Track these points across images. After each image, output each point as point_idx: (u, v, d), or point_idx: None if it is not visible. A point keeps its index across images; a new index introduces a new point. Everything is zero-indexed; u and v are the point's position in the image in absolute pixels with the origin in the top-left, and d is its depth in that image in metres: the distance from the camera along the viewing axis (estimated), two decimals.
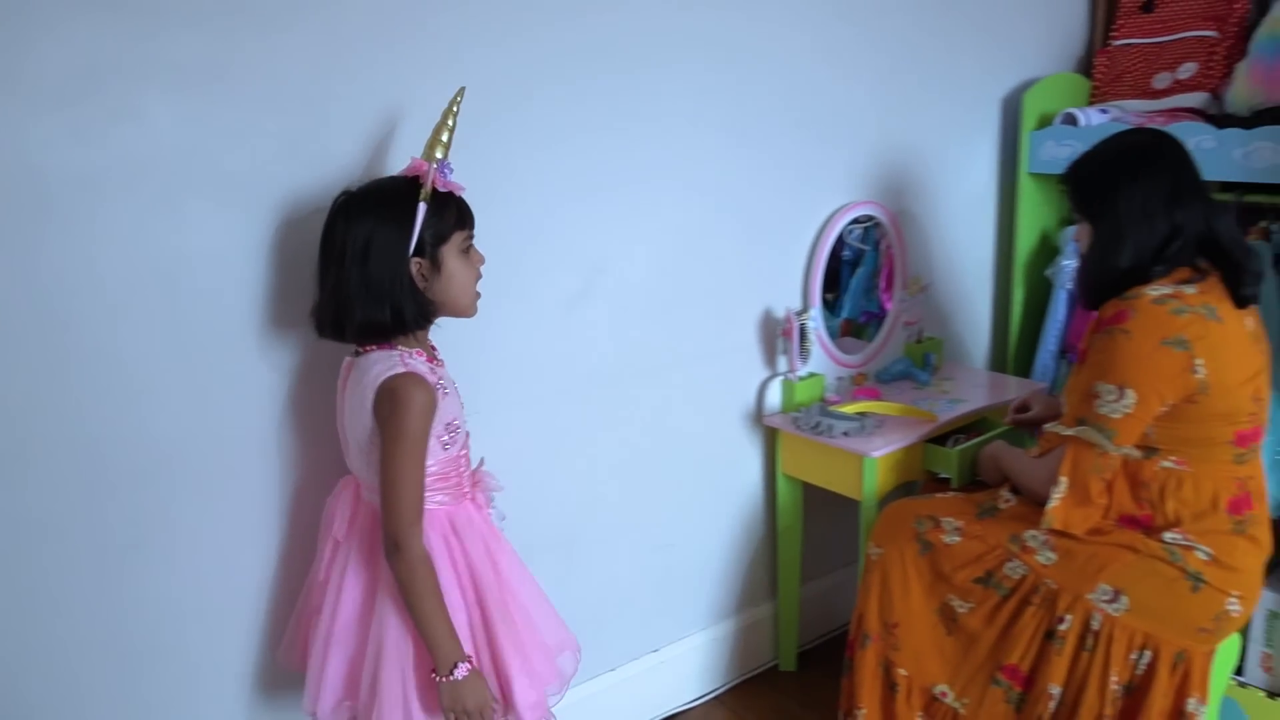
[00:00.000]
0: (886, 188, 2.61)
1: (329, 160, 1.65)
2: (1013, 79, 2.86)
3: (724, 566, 2.47)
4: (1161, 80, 2.73)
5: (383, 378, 1.51)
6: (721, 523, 2.44)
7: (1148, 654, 1.78)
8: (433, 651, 1.52)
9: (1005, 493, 1.99)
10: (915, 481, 2.37)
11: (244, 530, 1.70)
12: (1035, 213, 2.88)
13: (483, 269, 1.63)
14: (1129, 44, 2.83)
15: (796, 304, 2.46)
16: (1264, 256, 2.36)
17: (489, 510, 1.68)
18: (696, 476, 2.36)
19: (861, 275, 2.72)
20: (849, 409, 2.37)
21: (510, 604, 1.62)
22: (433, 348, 1.64)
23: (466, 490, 1.63)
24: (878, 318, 2.70)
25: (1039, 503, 1.91)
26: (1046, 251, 2.90)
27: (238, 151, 1.58)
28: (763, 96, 2.27)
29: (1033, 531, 1.88)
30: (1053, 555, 1.85)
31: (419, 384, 1.50)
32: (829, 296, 2.71)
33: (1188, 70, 2.69)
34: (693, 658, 2.45)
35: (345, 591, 1.59)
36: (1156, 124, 2.51)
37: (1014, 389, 2.60)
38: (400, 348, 1.56)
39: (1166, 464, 1.79)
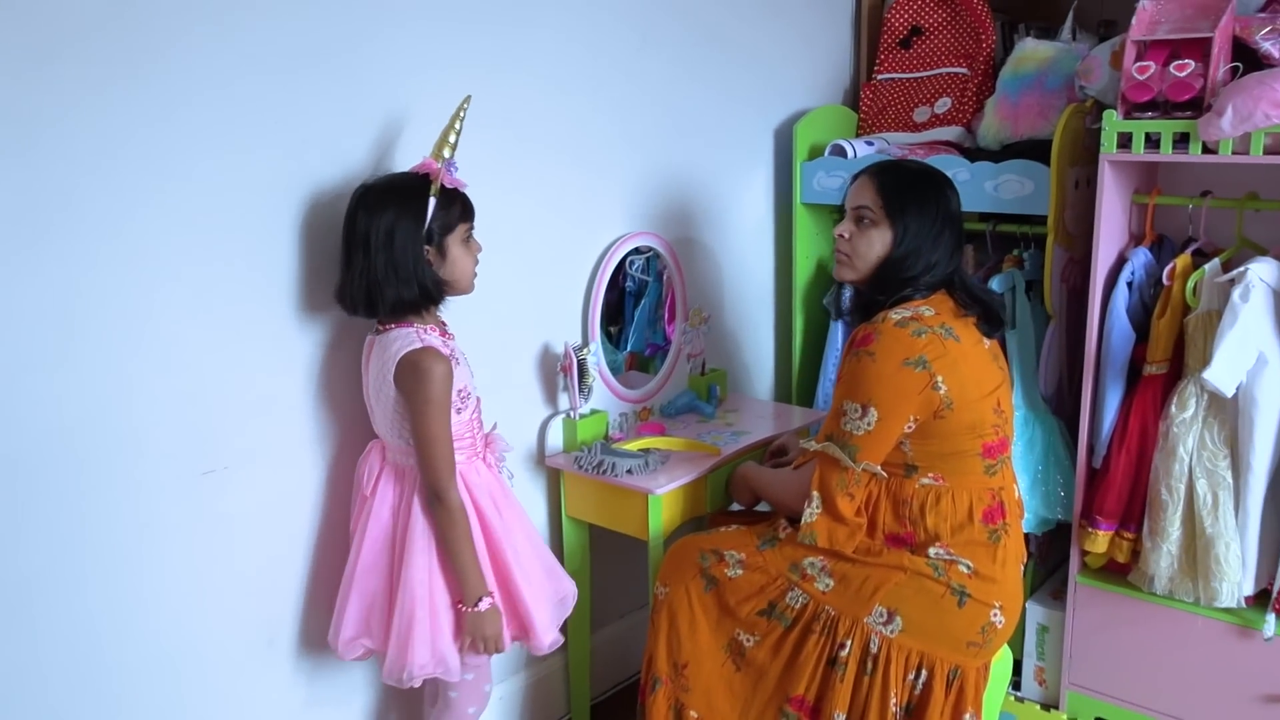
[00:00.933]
0: (664, 218, 2.68)
1: (341, 160, 1.91)
2: (784, 110, 2.99)
3: None
4: (921, 114, 2.94)
5: (403, 352, 1.77)
6: None
7: (924, 673, 1.88)
8: (464, 585, 1.81)
9: (784, 520, 2.05)
10: (704, 517, 2.41)
11: (291, 485, 1.95)
12: (811, 242, 3.01)
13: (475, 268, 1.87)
14: (891, 78, 3.03)
15: (577, 338, 2.49)
16: (1019, 282, 2.58)
17: (499, 469, 1.94)
18: None
19: (645, 307, 2.75)
20: (633, 446, 2.38)
21: (517, 546, 1.89)
22: (444, 323, 1.90)
23: (479, 451, 1.91)
24: (663, 350, 2.75)
25: (794, 519, 1.99)
26: (823, 280, 3.04)
27: (271, 151, 1.81)
28: (533, 126, 2.31)
29: (811, 559, 1.95)
30: (830, 581, 1.93)
31: (436, 356, 1.76)
32: (613, 329, 2.73)
33: (944, 105, 2.90)
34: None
35: (366, 539, 1.85)
36: (918, 156, 2.70)
37: (798, 419, 2.70)
38: (416, 325, 1.82)
39: (925, 481, 1.91)
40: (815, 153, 2.94)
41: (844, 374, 1.90)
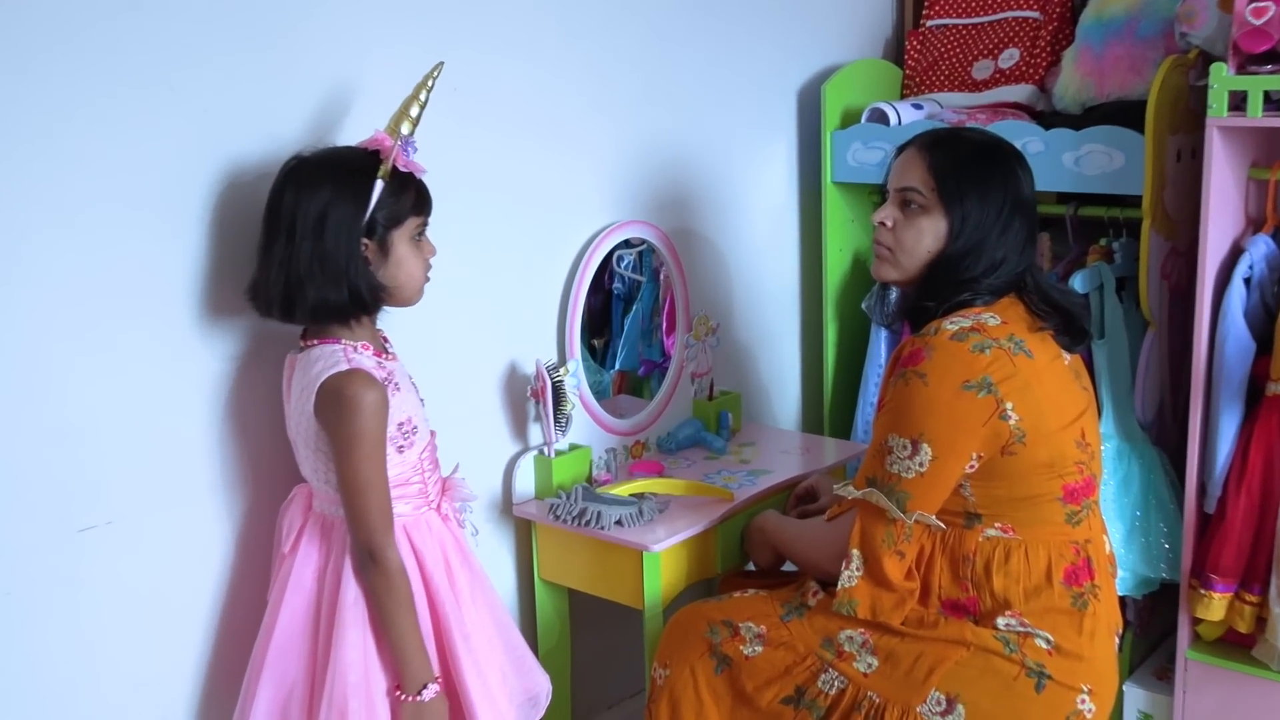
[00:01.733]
0: (660, 203, 2.67)
1: (274, 136, 1.92)
2: (810, 67, 2.97)
3: None
4: (982, 69, 2.92)
5: (324, 376, 1.77)
6: None
7: None
8: (403, 669, 1.80)
9: (815, 584, 2.04)
10: (714, 580, 2.39)
11: (193, 543, 1.94)
12: (845, 230, 2.99)
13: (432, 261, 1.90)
14: (944, 25, 3.02)
15: (551, 355, 2.47)
16: (1107, 280, 2.54)
17: (459, 523, 1.97)
18: None
19: (637, 314, 2.76)
20: (623, 490, 2.37)
21: (470, 625, 1.90)
22: (384, 339, 1.93)
23: (431, 499, 1.92)
24: (660, 368, 2.73)
25: (828, 583, 1.98)
26: (862, 278, 3.02)
27: (174, 120, 1.82)
28: (494, 95, 2.29)
29: (849, 632, 1.94)
30: (874, 660, 1.91)
31: (366, 381, 1.77)
32: (598, 343, 2.71)
33: (1010, 57, 2.89)
34: None
35: (283, 610, 1.85)
36: (978, 122, 2.70)
37: (831, 454, 2.69)
38: (345, 341, 1.82)
39: (991, 532, 1.90)
40: (849, 119, 2.93)
41: (888, 400, 1.90)
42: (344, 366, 1.78)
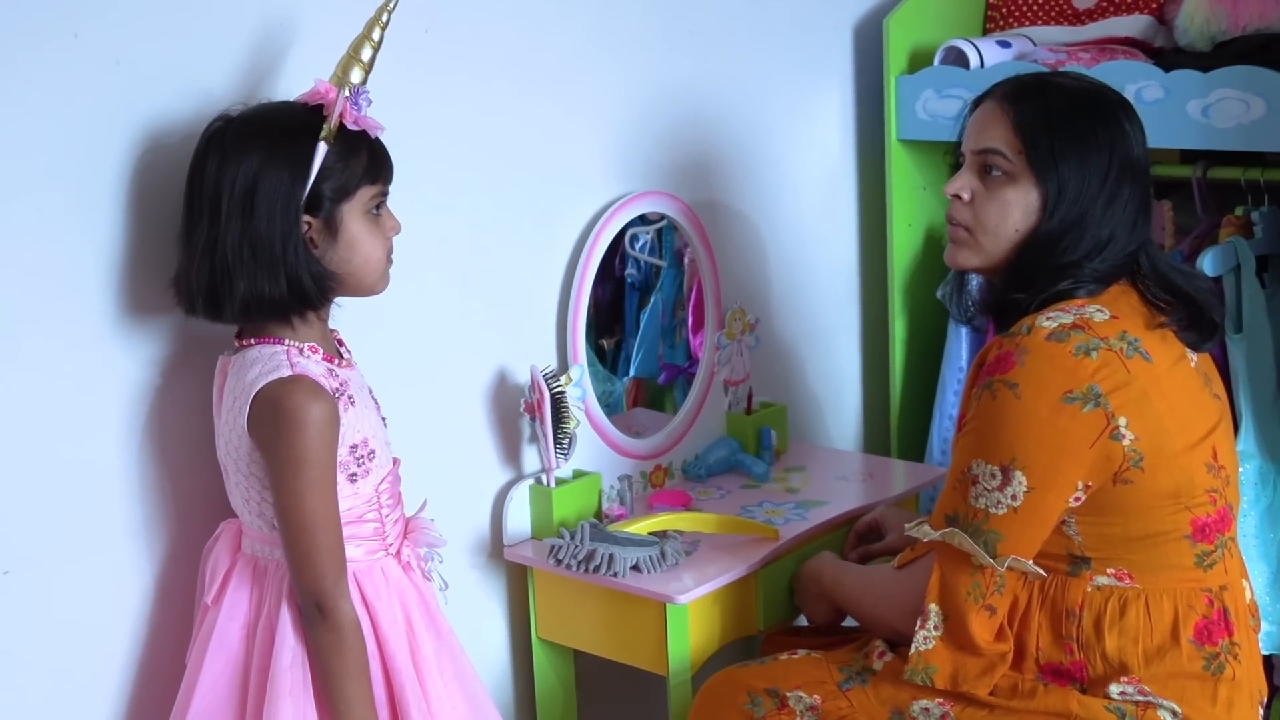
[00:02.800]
0: (683, 170, 2.68)
1: (203, 90, 1.93)
2: None
3: None
4: None
5: (260, 384, 1.77)
6: None
7: None
8: None
9: (882, 643, 2.05)
10: (756, 638, 2.40)
11: (103, 594, 1.93)
12: (915, 200, 3.00)
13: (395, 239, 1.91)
14: None
15: (550, 361, 2.48)
16: (1245, 258, 2.56)
17: (424, 574, 1.97)
18: None
19: (656, 308, 2.76)
20: (641, 527, 2.37)
21: (436, 702, 1.90)
22: (338, 341, 1.95)
23: (390, 543, 1.93)
24: (686, 374, 2.74)
25: (899, 643, 1.98)
26: (935, 260, 3.01)
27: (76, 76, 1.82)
28: (475, 39, 2.30)
29: (924, 703, 1.95)
30: None
31: (311, 392, 1.77)
32: (607, 343, 2.72)
33: None
34: None
35: (204, 672, 1.85)
36: (1081, 63, 2.70)
37: (901, 480, 2.69)
38: (289, 341, 1.83)
39: (1102, 580, 1.90)
40: (919, 61, 2.93)
41: (971, 418, 1.91)
42: (285, 372, 1.79)
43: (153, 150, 1.91)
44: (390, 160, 1.90)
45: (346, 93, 1.82)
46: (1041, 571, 1.90)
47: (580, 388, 2.43)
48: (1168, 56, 2.74)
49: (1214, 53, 2.67)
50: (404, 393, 2.23)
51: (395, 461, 1.97)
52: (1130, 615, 1.89)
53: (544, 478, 2.41)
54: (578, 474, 2.46)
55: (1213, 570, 1.92)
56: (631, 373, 2.77)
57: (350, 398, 1.86)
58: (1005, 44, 2.86)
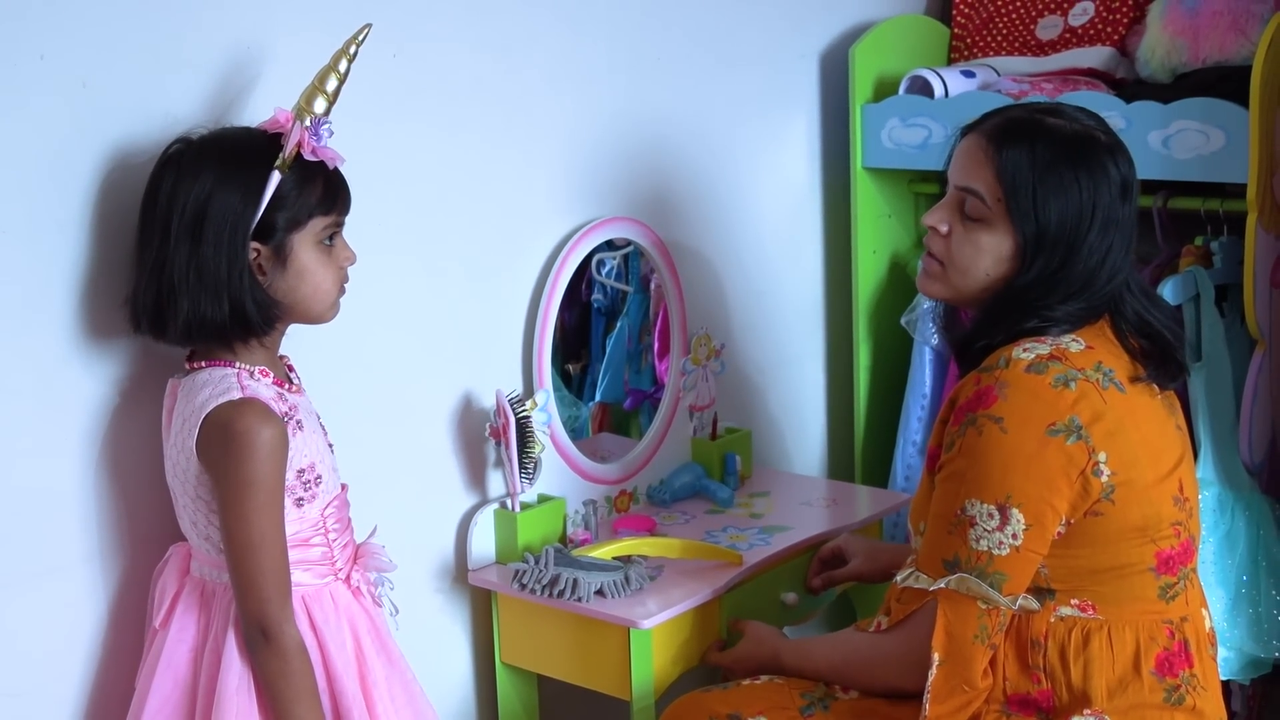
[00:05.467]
0: (650, 196, 2.68)
1: (167, 114, 1.93)
2: (835, 25, 2.99)
3: None
4: (1049, 27, 2.94)
5: (210, 406, 1.78)
6: None
7: None
8: None
9: None
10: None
11: (57, 622, 1.93)
12: (879, 227, 3.01)
13: (351, 270, 1.92)
14: None
15: (516, 385, 2.47)
16: (1204, 287, 2.57)
17: (374, 599, 1.97)
18: None
19: (622, 333, 2.76)
20: (605, 552, 2.37)
21: None
22: (288, 366, 1.96)
23: (339, 568, 1.93)
24: (653, 399, 2.74)
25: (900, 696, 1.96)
26: (900, 287, 3.04)
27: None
28: (438, 61, 2.30)
29: None
30: None
31: (261, 415, 1.78)
32: (573, 368, 2.72)
33: (1083, 13, 2.90)
34: None
35: (151, 696, 1.85)
36: (1044, 93, 2.71)
37: (865, 505, 2.70)
38: (239, 364, 1.84)
39: (1066, 611, 1.89)
40: (884, 90, 2.94)
41: (957, 456, 1.87)
42: (236, 395, 1.79)
43: (118, 171, 1.91)
44: (347, 191, 1.90)
45: (306, 122, 1.83)
46: (1037, 605, 1.88)
47: (545, 412, 2.43)
48: (1129, 87, 2.76)
49: (1175, 84, 2.69)
50: (370, 417, 2.22)
51: (344, 487, 1.96)
52: (1093, 646, 1.88)
53: (509, 502, 2.41)
54: (543, 498, 2.46)
55: (1174, 602, 1.92)
56: (597, 397, 2.76)
57: (299, 422, 1.86)
58: (970, 74, 2.88)
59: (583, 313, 2.72)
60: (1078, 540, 1.86)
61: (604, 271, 2.69)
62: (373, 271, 2.03)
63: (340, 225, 1.89)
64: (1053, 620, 1.89)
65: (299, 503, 1.85)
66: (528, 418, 2.35)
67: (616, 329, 2.75)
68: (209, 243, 1.77)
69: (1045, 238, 1.89)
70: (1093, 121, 1.96)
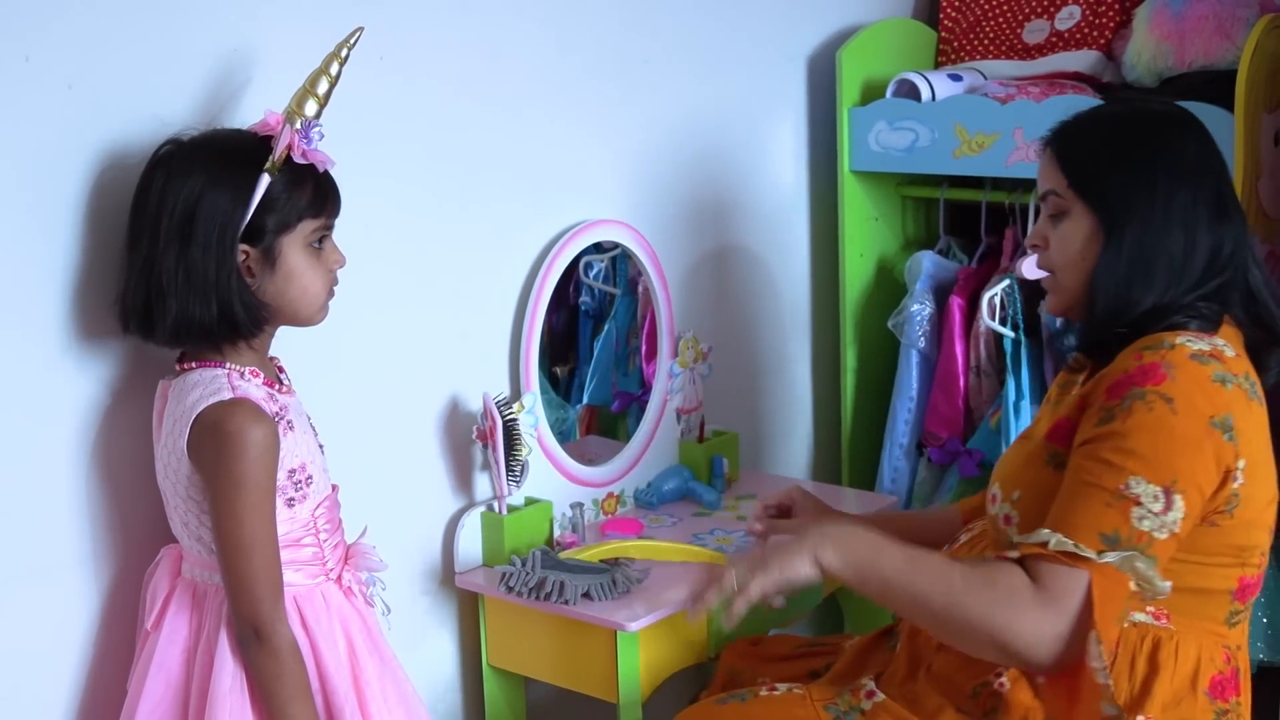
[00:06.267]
0: (638, 198, 2.69)
1: (157, 117, 1.92)
2: (822, 28, 3.00)
3: None
4: (1035, 31, 2.95)
5: (201, 406, 1.79)
6: None
7: None
8: None
9: (868, 681, 1.99)
10: (706, 665, 2.39)
11: (49, 624, 1.93)
12: (866, 231, 3.02)
13: (340, 272, 1.92)
14: None
15: (503, 388, 2.48)
16: None
17: (366, 599, 1.98)
18: None
19: (610, 336, 2.77)
20: (592, 554, 2.38)
21: None
22: (278, 368, 1.96)
23: (329, 568, 1.94)
24: (639, 402, 2.74)
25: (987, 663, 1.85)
26: (887, 290, 3.05)
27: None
28: (426, 58, 2.31)
29: None
30: None
31: (252, 415, 1.79)
32: (560, 370, 2.73)
33: (1070, 16, 2.92)
34: None
35: (144, 698, 1.85)
36: (1030, 96, 2.73)
37: (853, 506, 2.67)
38: (230, 365, 1.84)
39: (1139, 617, 1.84)
40: (872, 93, 2.95)
41: (1122, 430, 1.77)
42: (226, 395, 1.80)
43: (109, 173, 1.91)
44: (337, 194, 1.90)
45: (297, 125, 1.83)
46: (1168, 590, 1.78)
47: (533, 415, 2.44)
48: (1115, 91, 2.77)
49: (1160, 88, 2.70)
50: (356, 419, 2.22)
51: (334, 488, 1.97)
52: (1162, 654, 1.83)
53: (496, 505, 2.41)
54: (530, 501, 2.46)
55: (1235, 629, 1.88)
56: (585, 400, 2.77)
57: (289, 423, 1.87)
58: (956, 77, 2.89)
59: (571, 315, 2.73)
60: (1184, 547, 1.78)
61: (591, 274, 2.70)
62: (362, 274, 2.02)
63: (330, 228, 1.90)
64: (1126, 625, 1.83)
65: (290, 503, 1.86)
66: (515, 420, 2.36)
67: (604, 332, 2.76)
68: (198, 244, 1.78)
69: (1116, 200, 1.85)
70: (1152, 101, 1.97)
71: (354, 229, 2.02)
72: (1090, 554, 1.73)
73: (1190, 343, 1.79)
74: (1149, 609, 1.83)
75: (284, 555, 1.84)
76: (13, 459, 1.87)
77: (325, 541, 1.92)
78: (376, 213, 2.21)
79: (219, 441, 1.77)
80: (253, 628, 1.79)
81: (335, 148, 1.91)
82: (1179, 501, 1.73)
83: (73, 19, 1.86)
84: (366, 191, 2.15)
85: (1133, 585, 1.75)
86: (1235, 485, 1.77)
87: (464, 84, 2.37)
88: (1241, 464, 1.77)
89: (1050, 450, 1.87)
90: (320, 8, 2.11)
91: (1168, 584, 1.75)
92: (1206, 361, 1.78)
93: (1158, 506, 1.73)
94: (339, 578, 1.94)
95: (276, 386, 1.90)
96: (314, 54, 1.92)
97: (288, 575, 1.85)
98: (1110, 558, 1.73)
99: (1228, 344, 1.83)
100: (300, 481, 1.87)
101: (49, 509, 1.92)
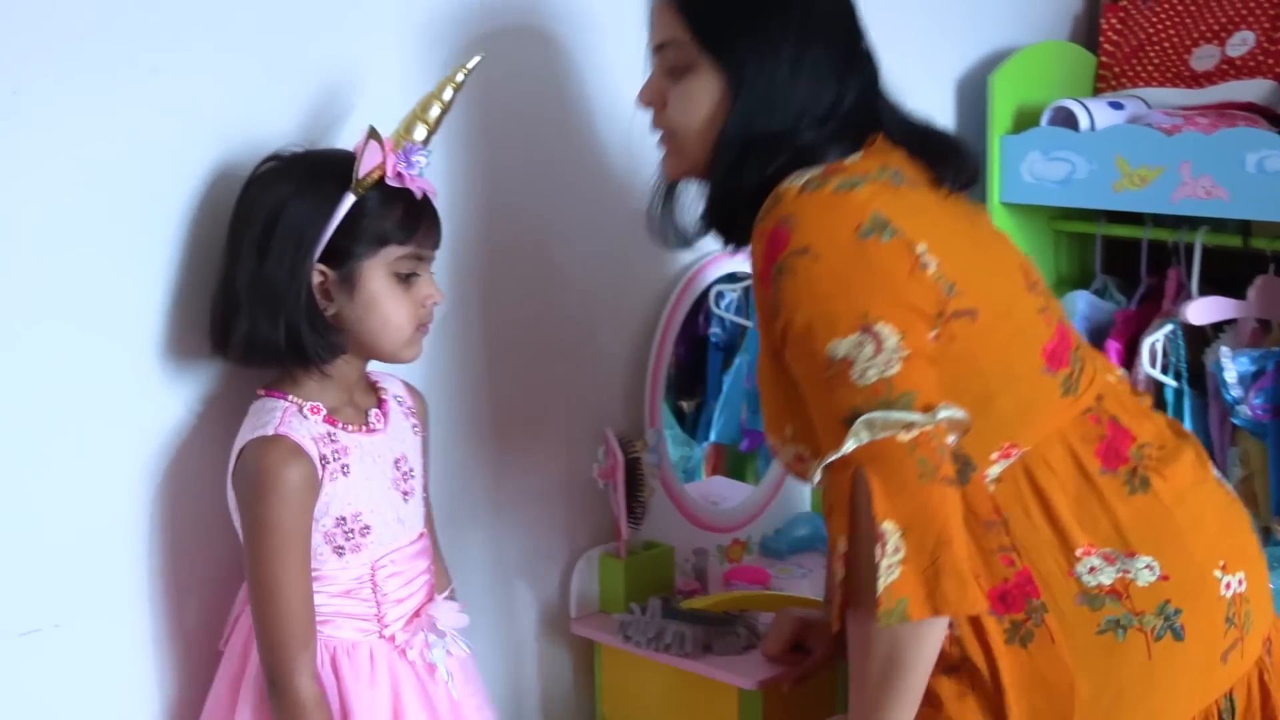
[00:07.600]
0: None
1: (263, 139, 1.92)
2: (973, 51, 2.98)
3: None
4: (1204, 58, 2.88)
5: (244, 440, 1.79)
6: None
7: None
8: None
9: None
10: None
11: (140, 650, 1.94)
12: None
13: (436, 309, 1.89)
14: None
15: (625, 423, 2.47)
16: None
17: (423, 661, 1.89)
18: None
19: (740, 370, 2.75)
20: (715, 603, 2.37)
21: None
22: (380, 402, 1.93)
23: (382, 625, 1.88)
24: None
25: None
26: None
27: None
28: (550, 79, 2.32)
29: None
30: None
31: (286, 455, 1.76)
32: (686, 405, 2.72)
33: (1242, 43, 2.84)
34: None
35: (203, 716, 1.88)
36: (1197, 127, 2.65)
37: None
38: (293, 398, 1.82)
39: (994, 471, 1.77)
40: (1025, 121, 2.90)
41: (786, 315, 1.73)
42: (268, 431, 1.78)
43: (217, 190, 1.91)
44: (435, 224, 1.88)
45: (397, 149, 1.81)
46: (964, 415, 1.72)
47: (656, 454, 2.43)
48: None
49: None
50: (469, 455, 2.24)
51: (420, 536, 1.94)
52: (1038, 477, 1.77)
53: (615, 548, 2.40)
54: (650, 545, 2.45)
55: (1083, 394, 1.83)
56: (711, 438, 2.76)
57: (344, 466, 1.82)
58: (1118, 105, 2.83)
59: (699, 347, 2.72)
60: (964, 365, 1.73)
61: (723, 304, 2.68)
62: (480, 302, 2.01)
63: (422, 259, 1.86)
64: (991, 489, 1.77)
65: (339, 551, 1.83)
66: (638, 458, 2.37)
67: (734, 365, 2.75)
68: (273, 256, 1.77)
69: (747, 57, 1.81)
70: None
71: (467, 256, 2.04)
72: (838, 453, 1.68)
73: (794, 181, 1.75)
74: (994, 456, 1.76)
75: (331, 606, 1.83)
76: (109, 470, 1.89)
77: (384, 600, 1.88)
78: (497, 240, 2.23)
79: (250, 480, 1.78)
80: (269, 676, 1.78)
81: (443, 172, 1.92)
82: (884, 329, 1.67)
83: (196, 39, 1.88)
84: (487, 217, 2.17)
85: (904, 436, 1.66)
86: (931, 270, 1.71)
87: (587, 103, 2.38)
88: (922, 246, 1.71)
89: (776, 369, 1.80)
90: (438, 37, 2.12)
91: (930, 413, 1.66)
92: (820, 185, 1.73)
93: (869, 350, 1.67)
94: (392, 636, 1.89)
95: (352, 426, 1.86)
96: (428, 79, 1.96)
97: (332, 628, 1.84)
98: (852, 440, 1.66)
99: (852, 152, 1.79)
100: (352, 531, 1.83)
101: (168, 528, 1.94)
